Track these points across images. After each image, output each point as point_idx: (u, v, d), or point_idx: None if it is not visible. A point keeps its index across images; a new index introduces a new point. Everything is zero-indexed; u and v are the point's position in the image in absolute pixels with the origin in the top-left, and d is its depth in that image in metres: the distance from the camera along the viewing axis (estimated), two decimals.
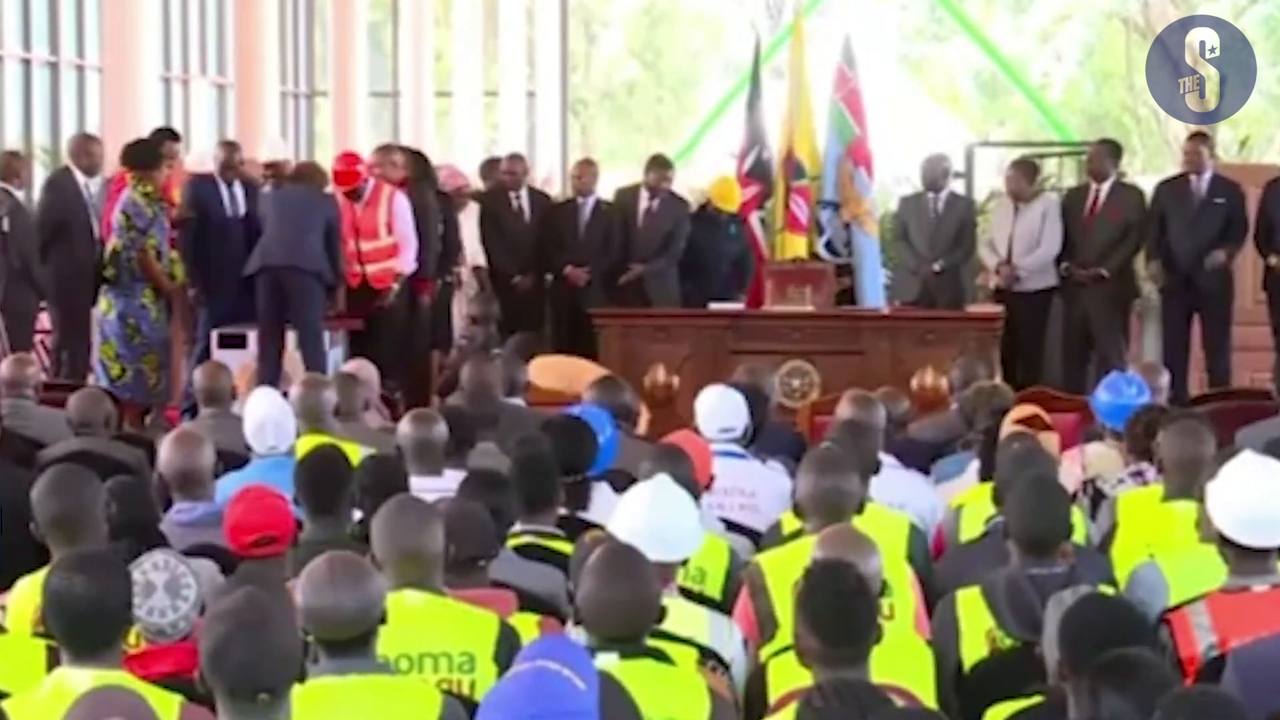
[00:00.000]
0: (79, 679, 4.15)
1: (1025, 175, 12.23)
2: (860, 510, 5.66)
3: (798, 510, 5.74)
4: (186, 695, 4.15)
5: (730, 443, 6.94)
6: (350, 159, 11.66)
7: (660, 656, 4.39)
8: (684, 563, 5.13)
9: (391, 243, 11.33)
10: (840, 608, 4.25)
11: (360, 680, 4.19)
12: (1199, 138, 12.14)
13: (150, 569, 4.58)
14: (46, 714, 4.06)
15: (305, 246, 10.70)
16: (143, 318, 10.72)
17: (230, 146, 11.90)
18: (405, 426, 6.70)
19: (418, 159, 12.28)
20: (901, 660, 4.64)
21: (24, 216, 11.75)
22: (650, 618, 4.40)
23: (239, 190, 11.47)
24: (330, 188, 11.27)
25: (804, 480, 5.67)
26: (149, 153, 11.13)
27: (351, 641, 4.20)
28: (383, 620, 4.27)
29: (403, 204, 11.38)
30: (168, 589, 4.59)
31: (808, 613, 4.27)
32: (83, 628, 4.24)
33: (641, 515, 4.99)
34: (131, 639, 4.52)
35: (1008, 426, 6.54)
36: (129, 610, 4.34)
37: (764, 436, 7.42)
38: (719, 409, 7.06)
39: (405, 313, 11.58)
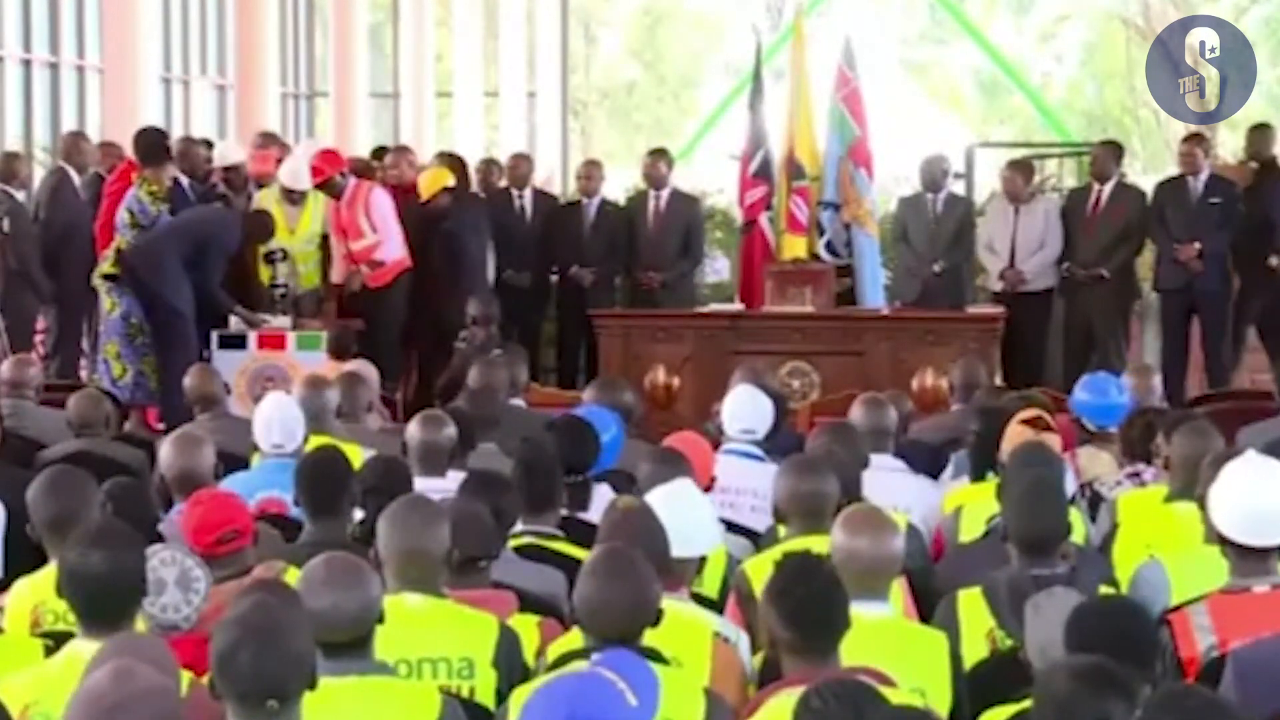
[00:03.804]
0: (92, 651, 4.19)
1: (1023, 176, 12.20)
2: None
3: (778, 514, 5.74)
4: None
5: (750, 444, 6.97)
6: (324, 156, 11.43)
7: (656, 657, 4.39)
8: (701, 564, 5.14)
9: (376, 240, 11.29)
10: (815, 601, 4.29)
11: (359, 681, 4.18)
12: (1195, 139, 12.13)
13: (159, 565, 4.57)
14: (60, 683, 4.10)
15: (154, 259, 10.43)
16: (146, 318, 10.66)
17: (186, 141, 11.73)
18: (413, 427, 6.66)
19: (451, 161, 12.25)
20: (915, 651, 4.66)
21: (24, 218, 11.74)
22: (648, 619, 4.39)
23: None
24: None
25: (782, 484, 5.68)
26: (155, 147, 10.94)
27: (349, 643, 4.20)
28: (380, 620, 4.26)
29: (380, 199, 11.29)
30: (179, 584, 4.59)
31: (782, 606, 4.30)
32: (97, 601, 4.34)
33: (660, 512, 4.99)
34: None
35: (1012, 426, 6.53)
36: (144, 585, 4.42)
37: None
38: (745, 410, 7.09)
39: (405, 313, 11.54)
